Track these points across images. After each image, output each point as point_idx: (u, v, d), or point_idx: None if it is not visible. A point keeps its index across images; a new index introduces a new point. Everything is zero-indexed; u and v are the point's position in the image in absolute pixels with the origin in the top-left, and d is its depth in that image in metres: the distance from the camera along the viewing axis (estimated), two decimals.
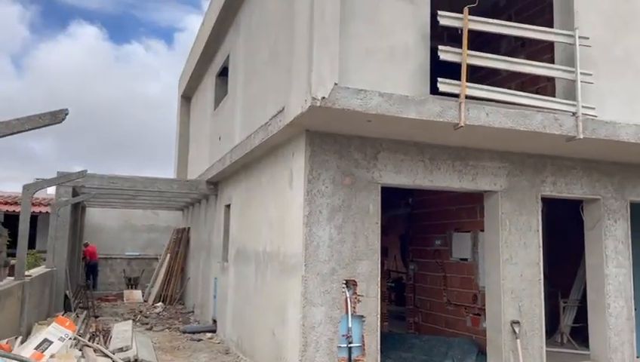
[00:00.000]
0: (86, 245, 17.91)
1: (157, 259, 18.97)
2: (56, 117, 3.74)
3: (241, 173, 9.82)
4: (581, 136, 6.35)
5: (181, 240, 16.29)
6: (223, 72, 12.24)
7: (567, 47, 6.70)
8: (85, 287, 14.67)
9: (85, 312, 11.74)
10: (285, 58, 6.69)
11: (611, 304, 7.59)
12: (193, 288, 14.49)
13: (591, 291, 7.89)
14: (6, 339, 4.36)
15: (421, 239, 10.15)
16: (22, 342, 5.22)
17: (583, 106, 6.42)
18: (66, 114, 3.76)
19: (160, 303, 14.87)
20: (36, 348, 3.64)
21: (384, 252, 12.33)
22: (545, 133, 6.31)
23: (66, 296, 11.26)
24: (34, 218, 14.97)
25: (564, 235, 9.63)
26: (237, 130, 9.85)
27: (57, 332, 4.12)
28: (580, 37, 6.55)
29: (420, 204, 10.22)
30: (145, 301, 16.03)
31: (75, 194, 11.52)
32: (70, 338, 4.37)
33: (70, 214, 11.72)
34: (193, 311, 13.78)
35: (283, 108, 6.44)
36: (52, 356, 3.51)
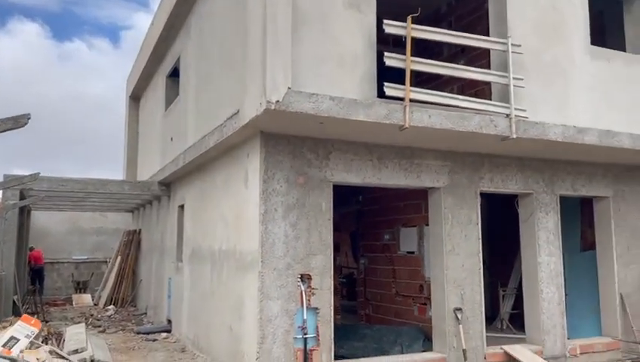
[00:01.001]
0: (31, 249, 17.39)
1: (106, 262, 18.67)
2: (19, 122, 3.84)
3: (195, 173, 9.95)
4: (514, 136, 6.94)
5: (132, 242, 16.13)
6: (174, 73, 12.28)
7: (502, 53, 7.28)
8: (32, 292, 14.31)
9: (35, 317, 11.50)
10: (239, 62, 6.93)
11: (544, 290, 8.27)
12: (146, 290, 14.42)
13: (525, 278, 8.55)
14: None
15: (371, 234, 10.61)
16: None
17: (515, 108, 7.01)
18: (29, 118, 3.87)
19: (111, 306, 14.71)
20: (4, 346, 3.73)
21: (336, 248, 12.70)
22: (482, 134, 6.85)
23: (14, 301, 11.02)
24: None
25: (504, 229, 10.31)
26: (190, 131, 9.97)
27: (23, 329, 4.21)
28: (512, 44, 7.15)
29: (369, 202, 10.67)
30: (95, 304, 15.78)
31: (22, 197, 11.28)
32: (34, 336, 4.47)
33: (16, 218, 11.46)
34: (146, 313, 13.73)
35: (238, 111, 6.69)
36: (21, 351, 3.63)
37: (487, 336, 7.94)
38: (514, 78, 7.07)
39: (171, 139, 11.82)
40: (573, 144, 7.52)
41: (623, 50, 8.74)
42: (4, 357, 3.18)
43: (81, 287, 17.80)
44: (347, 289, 14.40)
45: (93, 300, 16.42)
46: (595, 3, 9.04)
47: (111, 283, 15.51)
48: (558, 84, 7.70)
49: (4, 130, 3.80)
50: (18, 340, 4.07)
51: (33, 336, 4.20)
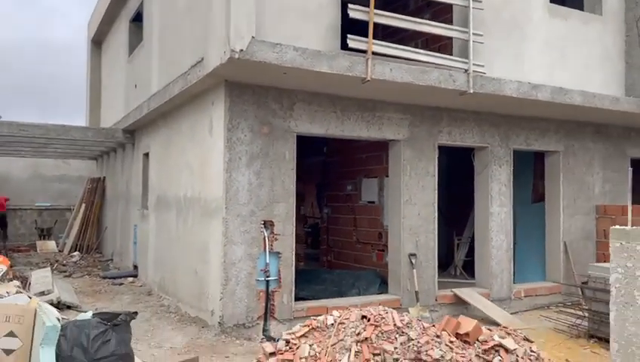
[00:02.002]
0: None
1: (70, 209, 18.56)
2: None
3: (160, 121, 9.95)
4: (471, 91, 7.22)
5: (96, 190, 16.07)
6: (137, 18, 12.00)
7: (463, 9, 7.45)
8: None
9: None
10: (203, 9, 6.90)
11: (494, 238, 8.80)
12: (111, 237, 14.53)
13: (477, 227, 9.06)
14: None
15: (335, 185, 10.93)
16: None
17: (474, 64, 7.26)
18: None
19: (77, 252, 14.78)
20: None
21: (301, 198, 13.06)
22: (441, 88, 7.10)
23: None
24: None
25: (463, 180, 10.76)
26: (154, 79, 9.89)
27: None
28: (474, 0, 7.32)
29: (334, 153, 10.93)
30: (60, 251, 15.82)
31: None
32: (3, 272, 4.64)
33: None
34: (112, 259, 13.90)
35: (202, 59, 6.72)
36: None
37: (440, 281, 8.47)
38: (474, 34, 7.28)
39: (135, 85, 11.69)
40: (527, 100, 7.86)
41: (582, 9, 9.03)
42: None
43: (45, 234, 17.74)
44: (312, 238, 14.85)
45: (57, 247, 16.43)
46: None
47: (75, 230, 15.53)
48: (516, 40, 7.96)
49: None
50: None
51: (2, 273, 4.38)
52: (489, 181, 8.81)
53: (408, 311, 7.59)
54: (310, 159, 11.59)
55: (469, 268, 10.89)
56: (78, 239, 15.35)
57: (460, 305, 8.28)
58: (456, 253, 11.43)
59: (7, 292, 3.23)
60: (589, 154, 9.80)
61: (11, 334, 3.07)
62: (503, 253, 8.86)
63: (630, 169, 9.60)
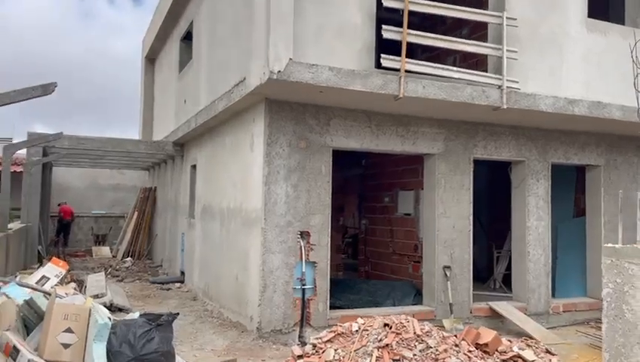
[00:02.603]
0: (61, 204, 18.31)
1: (123, 217, 19.54)
2: (47, 89, 4.36)
3: (206, 135, 10.50)
4: (505, 107, 7.33)
5: (148, 199, 16.90)
6: (187, 37, 12.68)
7: (498, 26, 7.58)
8: (55, 243, 15.22)
9: None
10: (245, 31, 7.34)
11: (531, 251, 8.79)
12: (161, 244, 15.25)
13: (514, 241, 9.07)
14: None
15: (372, 197, 11.16)
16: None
17: (507, 80, 7.37)
18: (55, 86, 4.39)
19: (129, 258, 15.60)
20: (36, 283, 4.40)
21: (341, 209, 13.33)
22: (474, 104, 7.25)
23: (38, 251, 11.87)
24: None
25: (502, 194, 10.77)
26: (202, 94, 10.46)
27: (53, 270, 4.89)
28: (507, 17, 7.44)
29: (372, 166, 11.17)
30: (114, 256, 16.71)
31: (44, 154, 11.97)
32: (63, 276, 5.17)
33: (40, 173, 12.19)
34: (161, 265, 14.59)
35: (244, 79, 7.15)
36: (52, 287, 4.28)
37: (478, 294, 8.53)
38: (507, 51, 7.39)
39: (185, 101, 12.33)
40: (564, 115, 7.88)
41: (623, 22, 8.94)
42: (40, 290, 3.82)
43: (100, 240, 18.76)
44: (352, 248, 15.06)
45: (111, 252, 17.35)
46: None
47: (128, 237, 16.37)
48: (553, 56, 7.99)
49: (33, 97, 4.33)
50: (49, 279, 4.74)
51: (62, 276, 4.89)
52: (526, 195, 8.82)
53: (442, 323, 7.73)
54: (350, 171, 11.89)
55: (509, 281, 10.85)
56: (130, 245, 16.18)
57: (496, 318, 8.31)
58: (495, 267, 11.41)
59: (66, 293, 3.66)
60: (632, 169, 9.62)
61: (69, 330, 3.49)
62: (540, 267, 8.84)
63: None
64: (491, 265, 11.56)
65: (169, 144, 12.88)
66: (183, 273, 11.99)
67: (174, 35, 14.14)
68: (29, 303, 3.71)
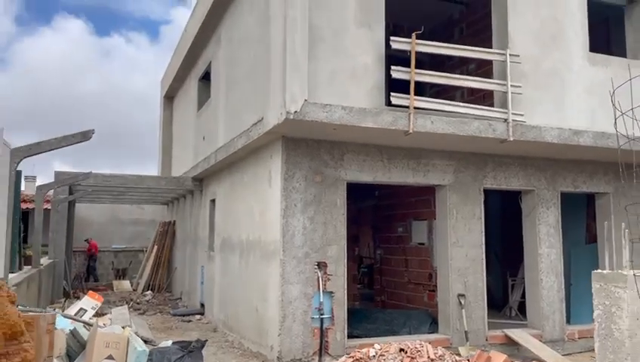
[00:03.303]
0: (88, 240, 18.87)
1: (143, 251, 19.98)
2: (86, 135, 4.80)
3: (225, 171, 10.93)
4: (511, 139, 7.64)
5: (167, 233, 17.31)
6: (205, 77, 13.27)
7: (502, 62, 7.96)
8: (81, 278, 15.66)
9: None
10: (263, 73, 7.81)
11: (544, 279, 8.95)
12: (180, 277, 15.58)
13: (527, 269, 9.24)
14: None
15: (387, 227, 11.43)
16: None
17: (513, 113, 7.71)
18: (93, 132, 4.82)
19: (149, 291, 15.92)
20: (75, 315, 4.72)
21: (356, 239, 13.60)
22: (481, 137, 7.58)
23: (63, 286, 12.26)
24: (26, 213, 15.83)
25: (515, 223, 10.98)
26: (220, 132, 10.94)
27: (89, 303, 5.22)
28: (511, 55, 7.83)
29: (385, 197, 11.48)
30: (134, 290, 17.05)
31: (70, 191, 12.49)
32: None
33: (66, 210, 12.70)
34: (181, 298, 14.88)
35: (262, 118, 7.59)
36: (90, 318, 4.60)
37: (494, 322, 8.69)
38: (512, 86, 7.76)
39: (203, 138, 12.84)
40: (569, 145, 8.16)
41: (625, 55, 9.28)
42: (83, 322, 4.14)
43: (120, 274, 19.16)
44: (368, 278, 15.25)
45: (132, 286, 17.70)
46: (601, 10, 9.62)
47: (148, 271, 16.74)
48: (557, 89, 8.33)
49: (76, 143, 4.76)
50: (86, 311, 5.08)
51: (97, 308, 5.21)
52: (537, 223, 9.04)
53: (458, 351, 7.89)
54: (364, 202, 12.20)
55: (524, 309, 10.94)
56: (150, 279, 16.53)
57: (512, 345, 8.44)
58: (510, 294, 11.52)
59: (104, 324, 3.98)
60: None
61: (110, 357, 3.81)
62: (554, 294, 8.98)
63: None
64: (507, 293, 11.67)
65: (188, 179, 13.34)
66: (202, 305, 12.27)
67: (192, 75, 14.78)
68: (73, 333, 4.04)
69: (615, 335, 2.58)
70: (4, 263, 2.58)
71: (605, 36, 10.58)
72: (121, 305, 12.64)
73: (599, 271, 2.83)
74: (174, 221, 17.44)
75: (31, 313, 3.17)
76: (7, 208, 2.66)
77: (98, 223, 21.03)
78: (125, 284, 17.78)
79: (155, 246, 17.40)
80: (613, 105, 3.18)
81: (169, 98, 18.65)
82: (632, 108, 4.95)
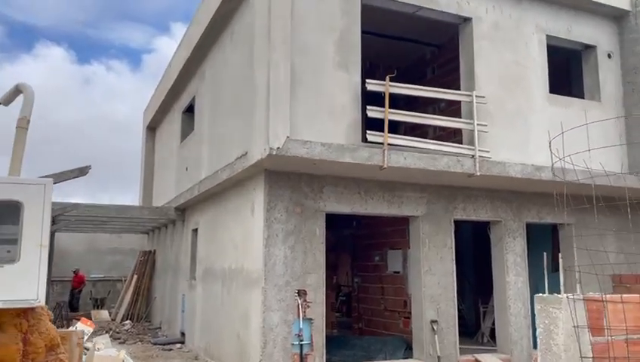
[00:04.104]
0: (75, 271, 18.85)
1: (121, 280, 19.96)
2: (83, 171, 5.17)
3: (208, 201, 11.28)
4: (478, 174, 8.23)
5: (147, 262, 17.42)
6: (189, 109, 13.71)
7: (469, 103, 8.60)
8: (62, 307, 15.62)
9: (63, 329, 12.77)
10: (247, 110, 8.29)
11: (512, 306, 9.45)
12: (160, 306, 15.67)
13: (496, 296, 9.74)
14: None
15: (364, 256, 11.86)
16: None
17: (479, 150, 8.31)
18: (90, 168, 5.20)
19: (128, 321, 15.94)
20: None
21: (335, 268, 13.98)
22: (450, 172, 8.14)
23: None
24: None
25: (488, 251, 11.52)
26: (204, 164, 11.33)
27: (82, 329, 5.49)
28: (477, 96, 8.48)
29: (362, 227, 11.94)
30: (113, 319, 17.01)
31: (53, 221, 12.64)
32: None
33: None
34: (160, 327, 14.96)
35: (246, 153, 8.04)
36: (86, 341, 4.88)
37: (466, 347, 9.10)
38: (479, 124, 8.38)
39: (186, 169, 13.20)
40: (532, 180, 8.78)
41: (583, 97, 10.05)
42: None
43: (98, 304, 19.06)
44: (346, 306, 15.56)
45: (110, 316, 17.65)
46: (562, 53, 10.43)
47: (128, 300, 16.77)
48: (520, 128, 9.00)
49: (73, 178, 5.12)
50: None
51: (90, 334, 5.47)
52: (504, 252, 9.59)
53: None
54: (342, 232, 12.63)
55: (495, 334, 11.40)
56: (130, 308, 16.55)
57: None
58: (482, 321, 11.98)
59: (98, 348, 4.29)
60: (601, 226, 10.46)
61: None
62: (521, 320, 9.47)
63: None
64: (479, 319, 12.13)
65: (171, 209, 13.62)
66: (183, 334, 12.42)
67: (176, 108, 15.20)
68: None
69: (553, 349, 3.07)
70: (45, 291, 2.95)
71: (567, 76, 11.38)
72: (101, 335, 12.71)
73: (540, 294, 3.35)
74: (154, 250, 17.58)
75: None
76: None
77: (76, 252, 20.96)
78: (104, 314, 17.71)
79: (135, 275, 17.47)
80: (549, 147, 3.72)
81: (151, 129, 18.98)
82: (589, 149, 5.55)
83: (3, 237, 2.99)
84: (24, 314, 3.03)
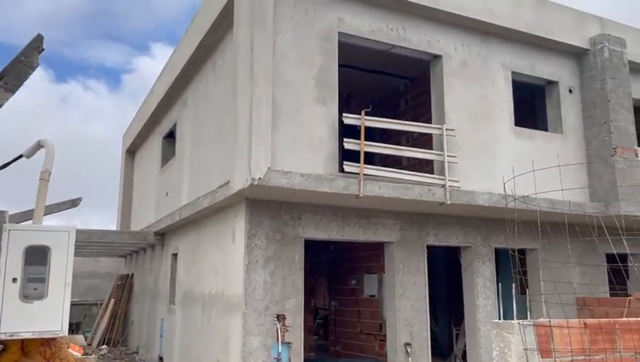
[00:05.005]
0: None
1: (97, 304, 19.80)
2: (75, 202, 5.43)
3: (189, 226, 11.52)
4: (448, 202, 8.70)
5: (125, 286, 17.42)
6: (170, 135, 14.00)
7: (440, 135, 9.12)
8: None
9: None
10: (229, 140, 8.65)
11: (482, 328, 9.88)
12: (137, 330, 15.66)
13: (467, 319, 10.16)
14: None
15: (341, 280, 12.20)
16: None
17: (449, 180, 8.80)
18: (81, 200, 5.46)
19: (104, 346, 15.87)
20: None
21: (313, 292, 14.26)
22: (422, 200, 8.60)
23: None
24: None
25: (460, 276, 11.97)
26: (185, 189, 11.60)
27: (73, 353, 5.68)
28: (447, 129, 9.01)
29: (340, 251, 12.31)
30: (89, 344, 16.88)
31: None
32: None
33: None
34: (137, 352, 14.95)
35: (228, 181, 8.37)
36: None
37: None
38: (449, 156, 8.89)
39: (167, 194, 13.42)
40: (499, 208, 9.30)
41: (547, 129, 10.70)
42: None
43: (74, 328, 18.87)
44: (324, 329, 15.80)
45: (86, 340, 17.50)
46: (527, 88, 11.10)
47: (104, 324, 16.70)
48: (487, 159, 9.55)
49: (66, 209, 5.37)
50: None
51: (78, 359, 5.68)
52: (474, 276, 10.04)
53: None
54: (321, 256, 12.97)
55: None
56: (106, 333, 16.48)
57: None
58: (455, 343, 12.37)
59: None
60: (565, 251, 11.03)
61: None
62: (490, 342, 9.86)
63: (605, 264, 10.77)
64: (452, 341, 12.52)
65: (151, 234, 13.78)
66: (161, 358, 12.49)
67: (156, 133, 15.46)
68: None
69: None
70: (67, 322, 3.37)
71: (532, 109, 12.06)
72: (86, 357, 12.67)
73: (496, 320, 3.76)
74: (132, 274, 17.60)
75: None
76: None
77: None
78: (79, 339, 17.48)
79: (112, 299, 17.42)
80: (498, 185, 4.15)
81: (131, 152, 19.15)
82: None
83: (33, 276, 3.31)
84: (47, 343, 3.33)
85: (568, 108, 10.80)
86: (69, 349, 5.82)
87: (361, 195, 8.03)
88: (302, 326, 8.43)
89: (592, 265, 11.15)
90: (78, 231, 13.21)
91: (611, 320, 4.12)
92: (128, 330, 16.62)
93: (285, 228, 8.58)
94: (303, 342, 8.38)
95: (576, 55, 11.04)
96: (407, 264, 9.46)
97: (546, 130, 10.79)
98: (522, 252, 11.15)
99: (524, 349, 3.53)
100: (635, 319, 4.11)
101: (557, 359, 3.72)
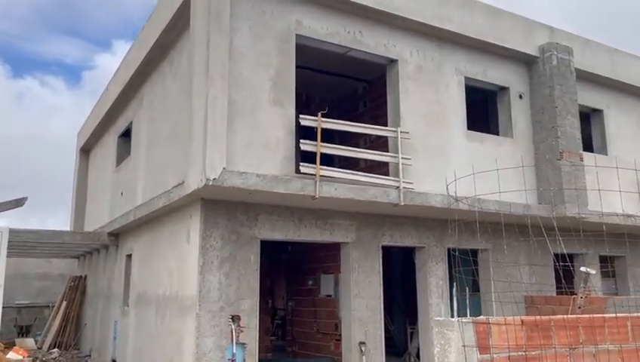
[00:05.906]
0: None
1: (49, 306, 19.19)
2: (19, 202, 5.27)
3: (143, 227, 11.33)
4: (402, 204, 8.87)
5: (78, 288, 16.95)
6: (126, 134, 13.72)
7: (395, 138, 9.29)
8: None
9: None
10: (184, 140, 8.56)
11: (434, 326, 10.08)
12: (90, 333, 15.28)
13: (420, 318, 10.38)
14: None
15: (299, 280, 12.24)
16: None
17: (404, 182, 8.98)
18: (26, 199, 5.30)
19: (55, 349, 15.40)
20: None
21: (271, 292, 14.24)
22: (377, 202, 8.74)
23: None
24: None
25: (415, 276, 12.21)
26: (140, 189, 11.40)
27: (15, 356, 5.47)
28: (402, 132, 9.19)
29: (297, 252, 12.34)
30: (39, 348, 16.36)
31: None
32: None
33: None
34: (90, 355, 14.58)
35: (183, 182, 8.28)
36: None
37: None
38: (403, 158, 9.07)
39: (121, 193, 13.16)
40: (451, 209, 9.53)
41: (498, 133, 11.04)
42: None
43: (24, 332, 18.24)
44: (282, 329, 15.81)
45: (36, 344, 16.95)
46: (480, 93, 11.42)
47: (56, 327, 16.19)
48: (441, 161, 9.78)
49: (9, 209, 5.20)
50: None
51: None
52: (428, 276, 10.27)
53: None
54: (278, 256, 12.98)
55: None
56: (57, 336, 15.99)
57: None
58: (410, 342, 12.61)
59: None
60: (515, 251, 11.42)
61: None
62: None
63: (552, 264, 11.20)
64: (407, 340, 12.75)
65: (104, 234, 13.47)
66: (114, 361, 12.23)
67: (112, 131, 15.13)
68: None
69: None
70: None
71: (485, 113, 12.42)
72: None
73: (437, 318, 3.88)
74: (85, 275, 17.15)
75: None
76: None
77: None
78: (29, 342, 16.96)
79: (64, 302, 16.92)
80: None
81: (85, 151, 18.67)
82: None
83: None
84: None
85: (518, 113, 11.18)
86: (12, 352, 5.64)
87: (317, 196, 8.10)
88: (257, 326, 8.42)
89: (540, 265, 11.57)
90: (27, 232, 12.86)
91: (547, 317, 4.31)
92: (81, 333, 16.19)
93: (241, 229, 8.56)
94: (258, 342, 8.38)
95: (526, 62, 11.44)
96: (362, 264, 9.59)
97: (497, 133, 11.14)
98: (475, 253, 11.47)
99: (462, 346, 3.65)
100: (570, 316, 4.33)
101: (494, 355, 3.86)
